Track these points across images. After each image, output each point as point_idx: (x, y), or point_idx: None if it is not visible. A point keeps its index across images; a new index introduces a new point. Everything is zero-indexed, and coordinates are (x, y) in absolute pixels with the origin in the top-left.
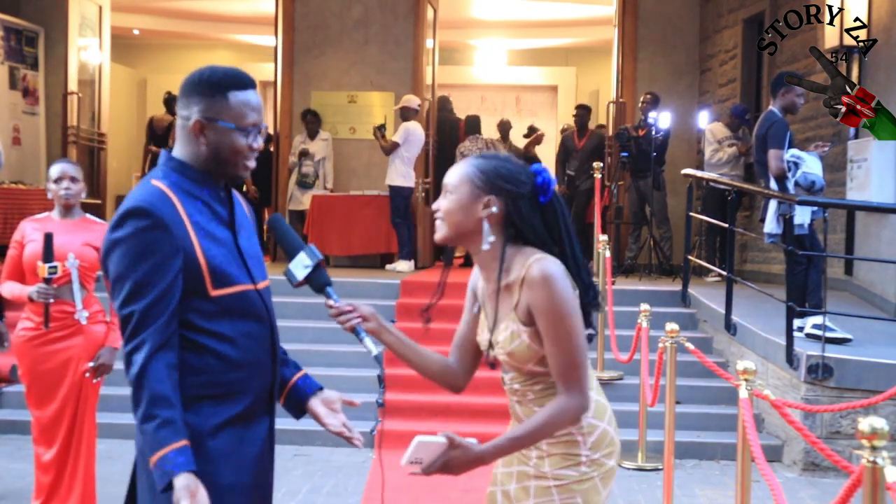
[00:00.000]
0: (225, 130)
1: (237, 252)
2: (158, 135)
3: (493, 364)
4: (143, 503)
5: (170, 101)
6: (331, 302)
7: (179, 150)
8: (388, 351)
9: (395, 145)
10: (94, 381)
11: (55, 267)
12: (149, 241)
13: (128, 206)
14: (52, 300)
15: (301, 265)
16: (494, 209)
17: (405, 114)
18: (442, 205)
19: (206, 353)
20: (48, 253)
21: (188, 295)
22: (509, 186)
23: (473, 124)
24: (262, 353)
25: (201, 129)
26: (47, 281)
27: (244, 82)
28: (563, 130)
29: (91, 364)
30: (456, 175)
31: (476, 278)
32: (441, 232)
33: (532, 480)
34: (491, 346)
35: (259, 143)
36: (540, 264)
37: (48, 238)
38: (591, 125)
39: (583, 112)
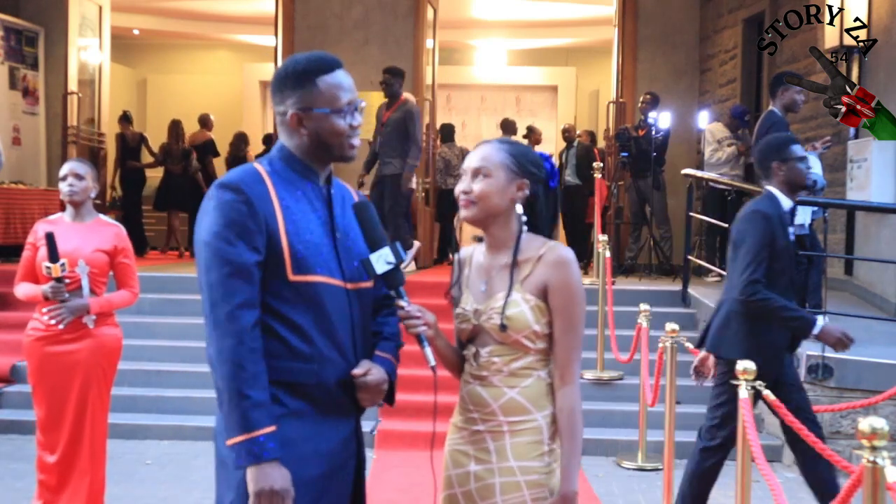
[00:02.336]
0: (322, 116)
1: (332, 247)
2: (131, 147)
3: (471, 337)
4: (220, 479)
5: (125, 117)
6: (402, 303)
7: (285, 142)
8: None
9: None
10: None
11: (63, 264)
12: (234, 212)
13: (220, 180)
14: (66, 296)
15: (384, 260)
16: (527, 191)
17: None
18: (476, 188)
19: (272, 337)
20: (53, 252)
21: (267, 276)
22: (535, 171)
23: (448, 131)
24: (333, 350)
25: (299, 120)
26: (59, 280)
27: (330, 65)
28: (564, 131)
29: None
30: (489, 160)
31: (470, 255)
32: (471, 212)
33: (496, 477)
34: (476, 315)
35: (359, 119)
36: (561, 249)
37: (49, 238)
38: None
39: (389, 78)
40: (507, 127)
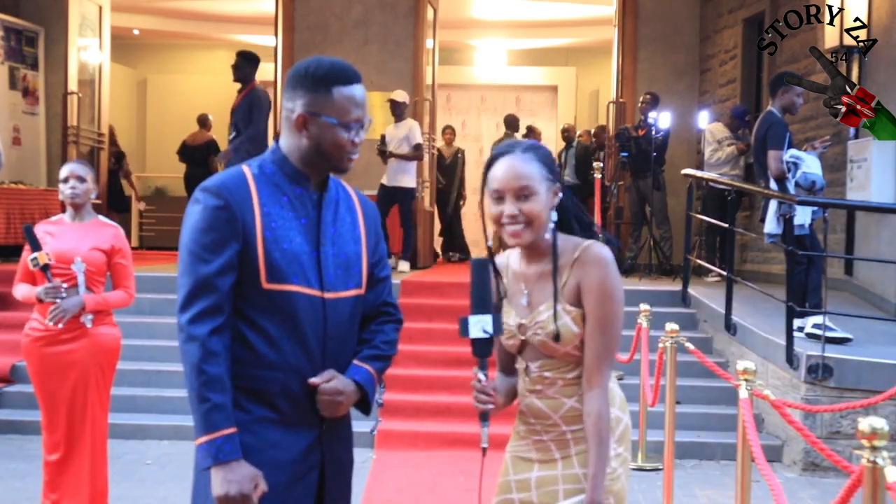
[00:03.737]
0: (327, 125)
1: (313, 255)
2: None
3: (520, 350)
4: (200, 481)
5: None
6: (480, 376)
7: (284, 141)
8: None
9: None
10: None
11: (49, 254)
12: (211, 219)
13: (204, 183)
14: (63, 295)
15: (481, 327)
16: (561, 195)
17: (400, 110)
18: (527, 208)
19: (242, 343)
20: (34, 243)
21: (242, 282)
22: (558, 169)
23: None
24: (302, 360)
25: (304, 122)
26: (46, 267)
27: (349, 77)
28: (563, 130)
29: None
30: (529, 177)
31: (505, 264)
32: (526, 237)
33: (560, 484)
34: (521, 330)
35: (361, 137)
36: (595, 247)
37: (28, 230)
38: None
39: (241, 62)
40: (510, 123)
